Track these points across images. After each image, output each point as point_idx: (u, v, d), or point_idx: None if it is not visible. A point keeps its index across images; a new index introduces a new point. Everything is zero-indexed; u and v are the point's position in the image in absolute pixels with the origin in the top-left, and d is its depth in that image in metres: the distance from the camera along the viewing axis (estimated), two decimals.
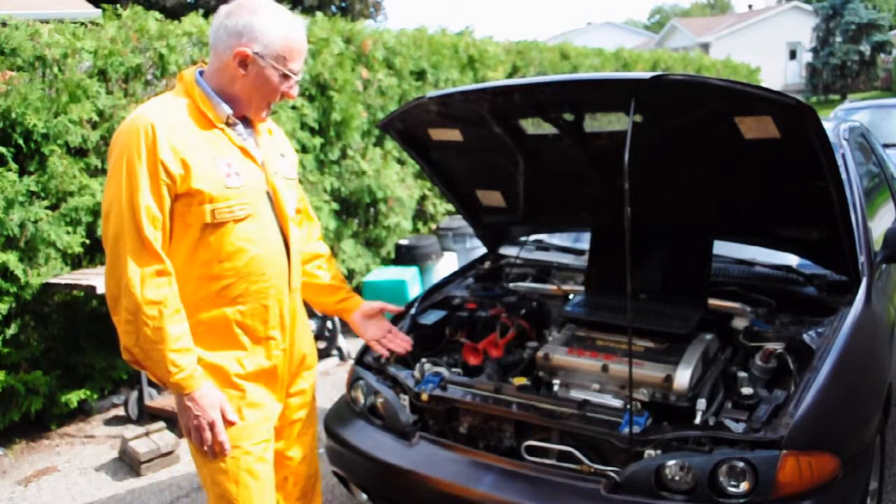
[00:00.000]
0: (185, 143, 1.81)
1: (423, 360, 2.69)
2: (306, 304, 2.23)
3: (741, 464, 1.98)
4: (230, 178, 1.85)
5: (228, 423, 1.89)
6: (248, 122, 2.00)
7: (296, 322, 2.06)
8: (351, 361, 2.95)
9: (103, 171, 4.20)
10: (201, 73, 1.93)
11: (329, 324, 5.03)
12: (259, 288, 1.92)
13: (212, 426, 1.85)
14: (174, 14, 5.56)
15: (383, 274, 5.72)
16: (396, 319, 2.95)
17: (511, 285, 3.19)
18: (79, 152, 4.10)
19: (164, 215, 1.79)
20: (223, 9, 1.90)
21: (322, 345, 5.01)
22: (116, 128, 4.11)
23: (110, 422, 4.25)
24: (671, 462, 2.03)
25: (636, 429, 2.11)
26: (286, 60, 1.88)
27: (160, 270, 1.78)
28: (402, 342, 2.48)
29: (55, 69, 3.97)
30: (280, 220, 1.99)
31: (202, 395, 1.84)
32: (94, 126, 4.12)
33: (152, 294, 1.76)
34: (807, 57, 32.02)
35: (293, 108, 5.22)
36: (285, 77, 1.90)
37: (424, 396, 2.46)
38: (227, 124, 1.91)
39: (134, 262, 1.76)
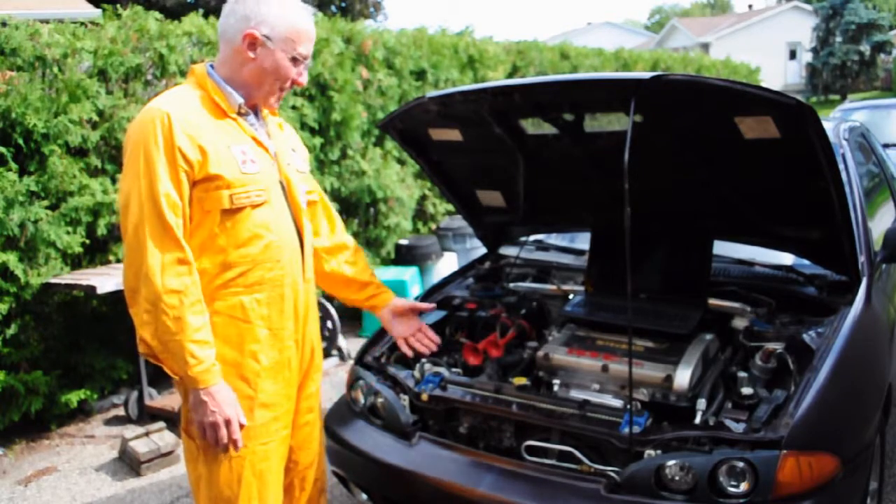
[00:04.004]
0: (200, 130, 1.83)
1: (423, 360, 2.69)
2: None
3: (741, 464, 1.98)
4: (246, 165, 1.88)
5: (239, 426, 1.88)
6: (258, 115, 2.03)
7: (308, 314, 2.06)
8: (351, 361, 2.95)
9: (103, 171, 4.20)
10: (212, 66, 1.96)
11: (329, 324, 5.03)
12: (275, 275, 1.93)
13: (228, 423, 1.83)
14: (174, 14, 5.56)
15: (383, 274, 5.72)
16: None
17: (511, 285, 3.19)
18: (79, 152, 4.10)
19: (184, 202, 1.81)
20: None
21: (322, 345, 5.01)
22: (116, 128, 4.17)
23: (110, 422, 4.25)
24: (671, 462, 2.03)
25: (636, 429, 2.11)
26: (294, 43, 1.90)
27: (181, 258, 1.78)
28: (428, 342, 2.45)
29: (55, 69, 3.96)
30: (293, 210, 2.01)
31: (219, 390, 1.83)
32: (94, 126, 4.12)
33: (173, 282, 1.76)
34: (807, 57, 32.02)
35: (293, 108, 5.22)
36: (294, 61, 1.92)
37: (424, 396, 2.47)
38: (239, 114, 1.94)
39: (155, 249, 1.76)
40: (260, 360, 1.94)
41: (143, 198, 1.77)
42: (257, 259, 1.90)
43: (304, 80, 1.97)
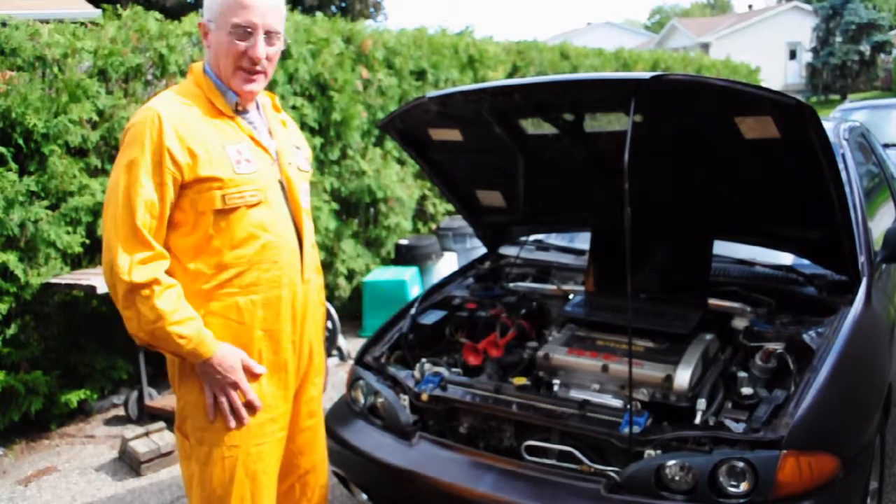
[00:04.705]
0: (192, 131, 1.82)
1: (423, 360, 2.69)
2: None
3: (741, 464, 1.98)
4: (240, 165, 1.86)
5: (254, 378, 1.88)
6: (260, 112, 2.02)
7: (307, 316, 2.03)
8: (351, 361, 2.95)
9: (103, 171, 4.20)
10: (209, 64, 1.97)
11: (329, 324, 5.03)
12: (271, 276, 1.92)
13: (235, 386, 1.85)
14: (174, 14, 5.56)
15: (383, 274, 5.73)
16: (396, 319, 2.95)
17: (511, 285, 3.19)
18: (79, 152, 4.10)
19: (163, 204, 1.80)
20: None
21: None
22: (116, 128, 4.17)
23: (110, 422, 4.25)
24: (671, 462, 2.03)
25: (636, 429, 2.11)
26: (227, 16, 1.86)
27: (148, 257, 1.78)
28: None
29: (55, 69, 3.97)
30: (293, 210, 1.99)
31: (222, 357, 1.83)
32: (94, 126, 4.12)
33: (140, 276, 1.76)
34: (807, 57, 32.01)
35: (293, 107, 5.22)
36: (234, 36, 1.86)
37: (424, 396, 2.47)
38: (237, 112, 1.93)
39: (124, 249, 1.77)
40: (252, 363, 1.92)
41: (120, 196, 1.78)
42: (253, 260, 1.89)
43: (257, 52, 1.86)
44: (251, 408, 1.89)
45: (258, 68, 1.90)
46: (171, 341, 1.79)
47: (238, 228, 1.86)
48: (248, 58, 1.87)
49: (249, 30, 1.86)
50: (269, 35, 1.89)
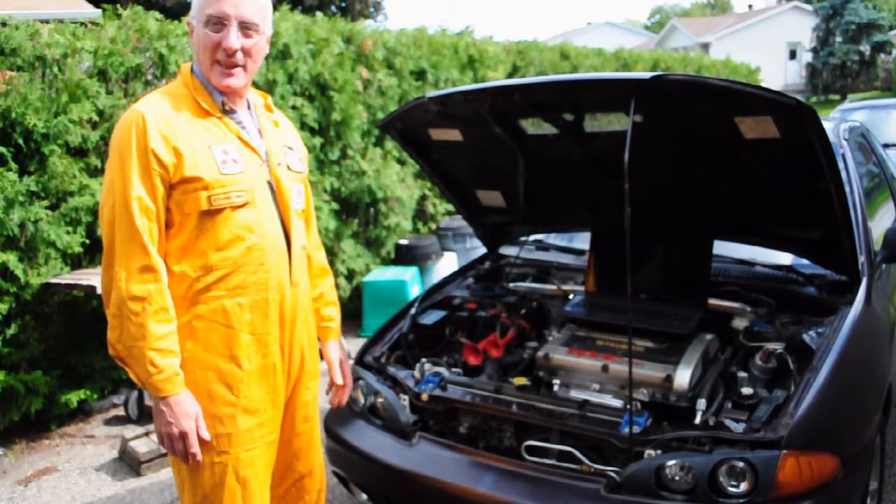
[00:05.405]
0: (178, 131, 1.80)
1: (423, 360, 2.69)
2: None
3: (741, 464, 1.98)
4: (226, 165, 1.84)
5: (200, 438, 1.84)
6: (251, 112, 2.00)
7: (296, 319, 2.00)
8: (351, 361, 2.94)
9: (103, 171, 4.19)
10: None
11: None
12: (258, 279, 1.89)
13: (184, 437, 1.80)
14: (174, 14, 5.56)
15: (383, 274, 5.72)
16: (396, 319, 2.95)
17: (511, 285, 3.19)
18: (79, 152, 4.10)
19: (157, 206, 1.78)
20: None
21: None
22: None
23: (110, 422, 4.25)
24: (671, 462, 2.03)
25: (636, 429, 2.11)
26: (203, 9, 1.85)
27: (147, 266, 1.77)
28: (337, 399, 2.26)
29: (55, 69, 3.97)
30: (282, 211, 1.96)
31: (179, 401, 1.79)
32: (94, 126, 4.12)
33: (137, 289, 1.75)
34: (807, 57, 32.02)
35: (293, 107, 5.22)
36: (209, 27, 1.85)
37: (424, 396, 2.47)
38: (225, 112, 1.91)
39: (123, 255, 1.76)
40: (242, 366, 1.89)
41: (117, 202, 1.77)
42: (239, 262, 1.86)
43: (230, 42, 1.83)
44: (192, 457, 1.84)
45: (235, 61, 1.86)
46: (142, 364, 1.76)
47: (223, 230, 1.84)
48: (222, 49, 1.84)
49: (224, 21, 1.84)
50: (246, 27, 1.86)
